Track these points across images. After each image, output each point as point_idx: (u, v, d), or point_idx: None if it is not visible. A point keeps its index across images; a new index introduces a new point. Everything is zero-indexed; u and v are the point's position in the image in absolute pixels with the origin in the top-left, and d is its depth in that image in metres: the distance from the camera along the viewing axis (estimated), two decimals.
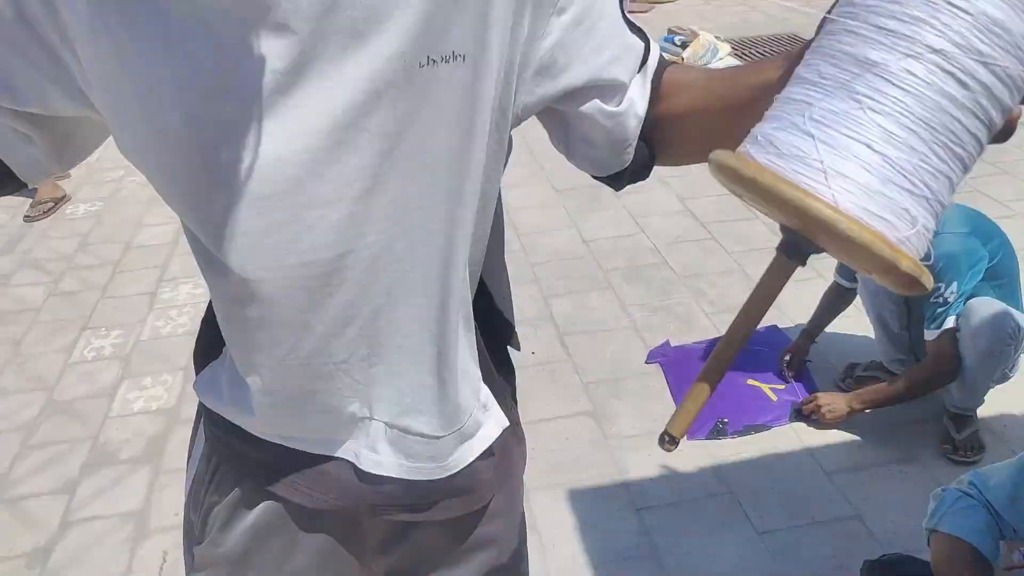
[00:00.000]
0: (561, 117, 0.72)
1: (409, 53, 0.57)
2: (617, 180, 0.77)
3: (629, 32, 0.69)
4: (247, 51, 0.54)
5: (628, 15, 0.69)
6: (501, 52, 0.61)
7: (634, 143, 0.72)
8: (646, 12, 7.02)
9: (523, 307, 2.91)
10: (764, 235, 3.35)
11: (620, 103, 0.69)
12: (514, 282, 0.86)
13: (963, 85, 0.45)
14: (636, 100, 0.70)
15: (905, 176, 0.46)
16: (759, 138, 0.50)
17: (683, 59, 5.07)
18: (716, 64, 5.16)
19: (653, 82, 0.71)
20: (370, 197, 0.61)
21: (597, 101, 0.69)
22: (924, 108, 0.45)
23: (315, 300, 0.65)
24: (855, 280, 2.42)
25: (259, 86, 0.55)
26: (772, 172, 0.47)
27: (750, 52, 5.54)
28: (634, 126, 0.71)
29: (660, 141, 0.73)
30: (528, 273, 3.16)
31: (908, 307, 2.33)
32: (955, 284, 2.05)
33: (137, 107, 0.57)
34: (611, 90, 0.69)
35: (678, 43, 5.36)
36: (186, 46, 0.54)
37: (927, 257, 0.48)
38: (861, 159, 0.46)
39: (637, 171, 0.75)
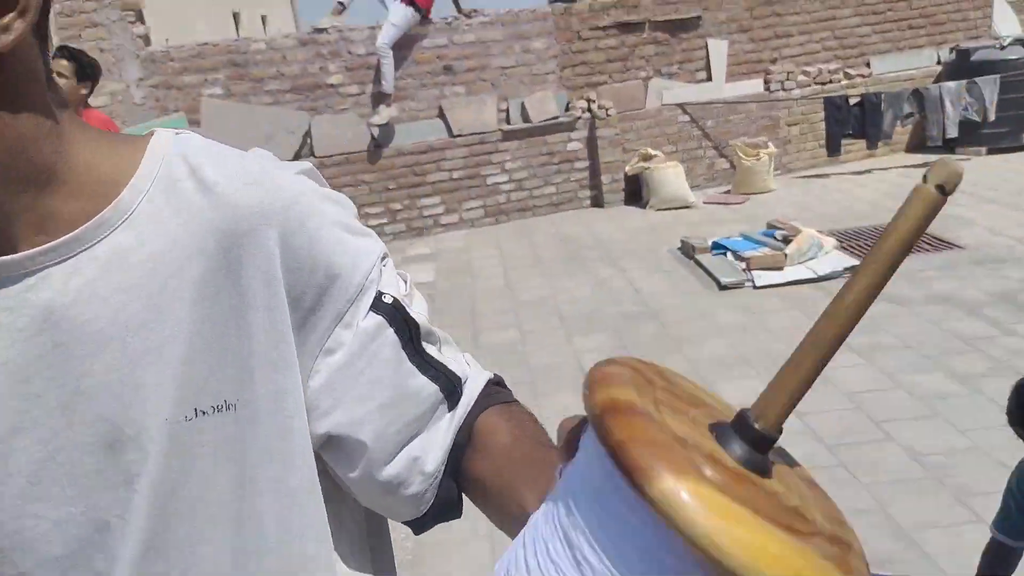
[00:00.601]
0: (335, 463, 0.64)
1: (172, 413, 0.56)
2: (418, 526, 0.67)
3: (418, 374, 0.62)
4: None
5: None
6: (276, 393, 0.59)
7: (427, 497, 0.64)
8: (741, 203, 6.79)
9: None
10: (902, 461, 2.85)
11: (391, 462, 0.61)
12: None
13: None
14: (426, 455, 0.62)
15: None
16: None
17: (786, 255, 4.93)
18: (823, 258, 4.96)
19: (468, 421, 0.64)
20: (151, 557, 0.57)
21: (369, 457, 0.61)
22: None
23: None
24: (1021, 538, 1.87)
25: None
26: None
27: (857, 245, 5.36)
28: (419, 482, 0.63)
29: (464, 487, 0.65)
30: None
31: None
32: None
33: None
34: (380, 448, 0.61)
35: (779, 238, 5.24)
36: None
37: None
38: None
39: (444, 512, 0.66)
